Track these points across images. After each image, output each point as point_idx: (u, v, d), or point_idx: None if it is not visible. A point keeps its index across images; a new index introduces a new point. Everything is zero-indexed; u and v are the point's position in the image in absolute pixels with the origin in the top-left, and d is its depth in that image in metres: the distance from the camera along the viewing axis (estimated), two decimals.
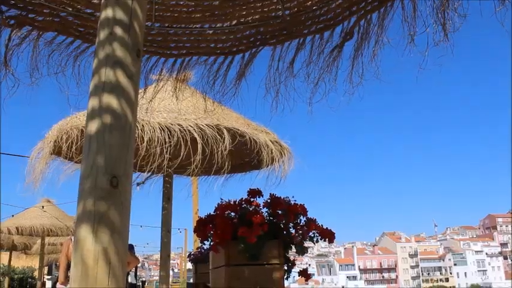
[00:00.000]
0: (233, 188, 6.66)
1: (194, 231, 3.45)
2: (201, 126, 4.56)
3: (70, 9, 3.34)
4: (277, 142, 5.26)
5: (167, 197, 6.15)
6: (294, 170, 5.72)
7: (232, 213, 3.23)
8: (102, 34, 1.54)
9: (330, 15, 3.17)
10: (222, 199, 3.28)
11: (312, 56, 3.22)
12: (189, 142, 4.53)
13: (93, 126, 1.41)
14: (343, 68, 3.16)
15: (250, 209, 3.23)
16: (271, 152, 5.00)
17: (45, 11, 3.30)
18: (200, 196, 17.09)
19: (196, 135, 4.50)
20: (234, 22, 3.36)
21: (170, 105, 4.87)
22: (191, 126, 4.53)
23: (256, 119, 5.36)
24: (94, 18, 3.38)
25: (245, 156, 5.98)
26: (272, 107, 3.41)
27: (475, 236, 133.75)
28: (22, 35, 3.33)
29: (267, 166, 5.58)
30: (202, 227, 3.26)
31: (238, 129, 4.78)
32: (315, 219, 3.32)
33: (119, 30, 1.53)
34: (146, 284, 23.99)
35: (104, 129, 1.40)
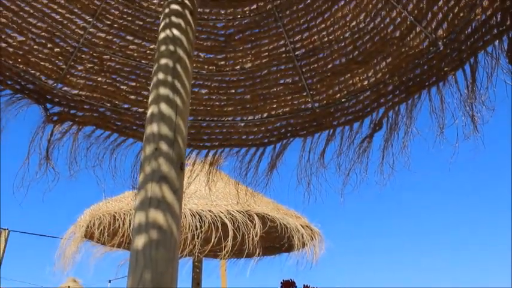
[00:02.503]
0: (263, 270, 6.55)
1: None
2: (232, 213, 4.59)
3: (108, 104, 3.51)
4: (308, 226, 5.23)
5: (196, 282, 6.05)
6: (325, 252, 5.66)
7: None
8: (148, 149, 1.62)
9: (358, 106, 3.25)
10: None
11: (342, 147, 3.26)
12: (220, 228, 4.54)
13: (140, 242, 1.45)
14: (374, 159, 3.18)
15: None
16: (302, 237, 4.96)
17: (85, 107, 3.49)
18: (229, 279, 16.73)
19: (227, 221, 4.52)
20: (265, 115, 3.47)
21: (201, 191, 4.93)
22: (222, 213, 4.56)
23: (288, 204, 5.39)
24: (130, 112, 3.55)
25: (276, 240, 5.93)
26: (304, 197, 3.43)
27: None
28: (63, 129, 3.49)
29: (298, 250, 5.53)
30: None
31: (269, 215, 4.79)
32: None
33: (164, 146, 1.61)
34: None
35: (151, 245, 1.44)
